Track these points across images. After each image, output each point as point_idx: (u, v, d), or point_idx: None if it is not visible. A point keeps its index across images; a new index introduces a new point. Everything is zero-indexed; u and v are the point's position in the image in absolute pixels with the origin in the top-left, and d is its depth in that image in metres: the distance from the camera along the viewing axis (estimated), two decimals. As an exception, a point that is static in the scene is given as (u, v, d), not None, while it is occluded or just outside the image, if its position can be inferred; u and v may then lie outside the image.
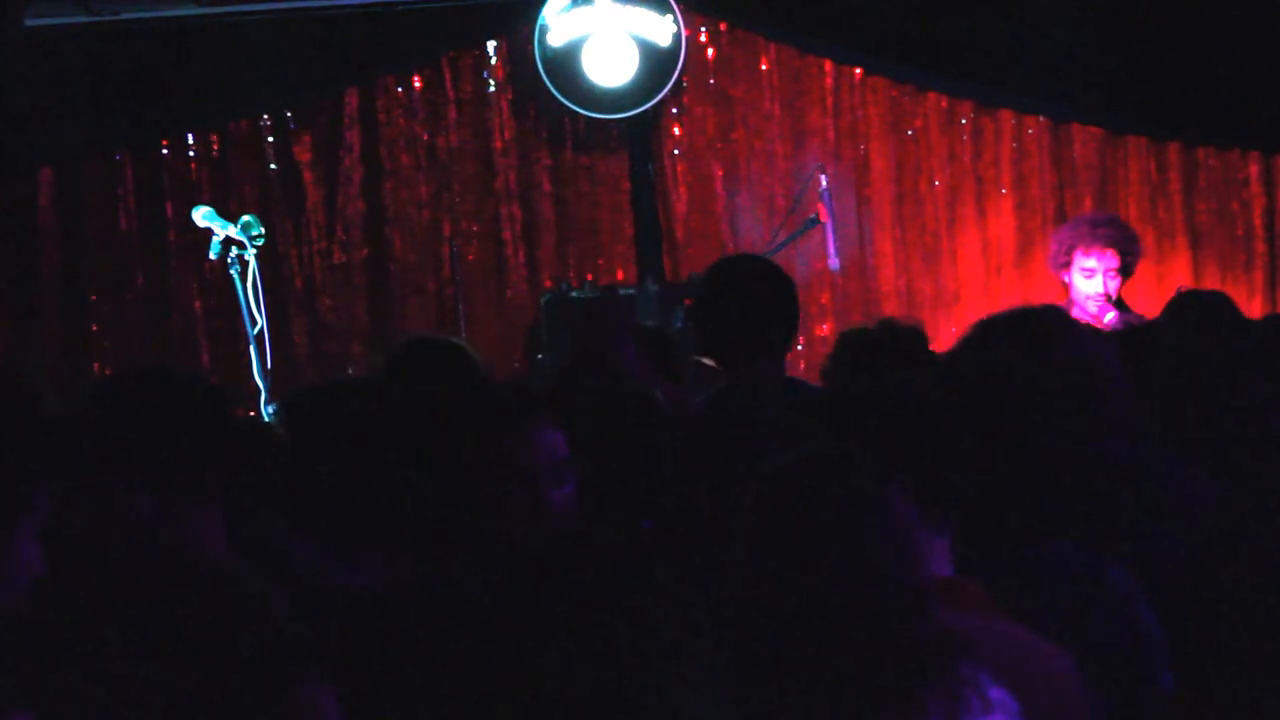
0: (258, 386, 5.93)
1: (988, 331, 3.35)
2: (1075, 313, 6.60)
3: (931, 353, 4.81)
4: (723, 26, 8.57)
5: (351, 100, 8.51)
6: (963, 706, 2.26)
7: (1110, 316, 6.52)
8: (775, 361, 4.33)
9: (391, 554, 3.18)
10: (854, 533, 2.25)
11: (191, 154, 8.50)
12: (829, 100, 8.53)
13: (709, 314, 4.36)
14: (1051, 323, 3.40)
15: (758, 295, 4.31)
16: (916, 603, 2.26)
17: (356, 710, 2.13)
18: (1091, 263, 6.55)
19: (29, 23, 8.10)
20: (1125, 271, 6.62)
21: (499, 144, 8.57)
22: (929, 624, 2.26)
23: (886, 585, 2.24)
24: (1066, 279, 6.64)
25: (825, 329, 8.44)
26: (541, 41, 8.31)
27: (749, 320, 4.27)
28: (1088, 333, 3.54)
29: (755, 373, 4.24)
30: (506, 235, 8.60)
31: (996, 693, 2.32)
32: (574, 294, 8.10)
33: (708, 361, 6.61)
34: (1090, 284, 6.55)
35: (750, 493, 2.33)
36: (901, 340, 4.58)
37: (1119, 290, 6.58)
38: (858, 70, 8.52)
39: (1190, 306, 5.18)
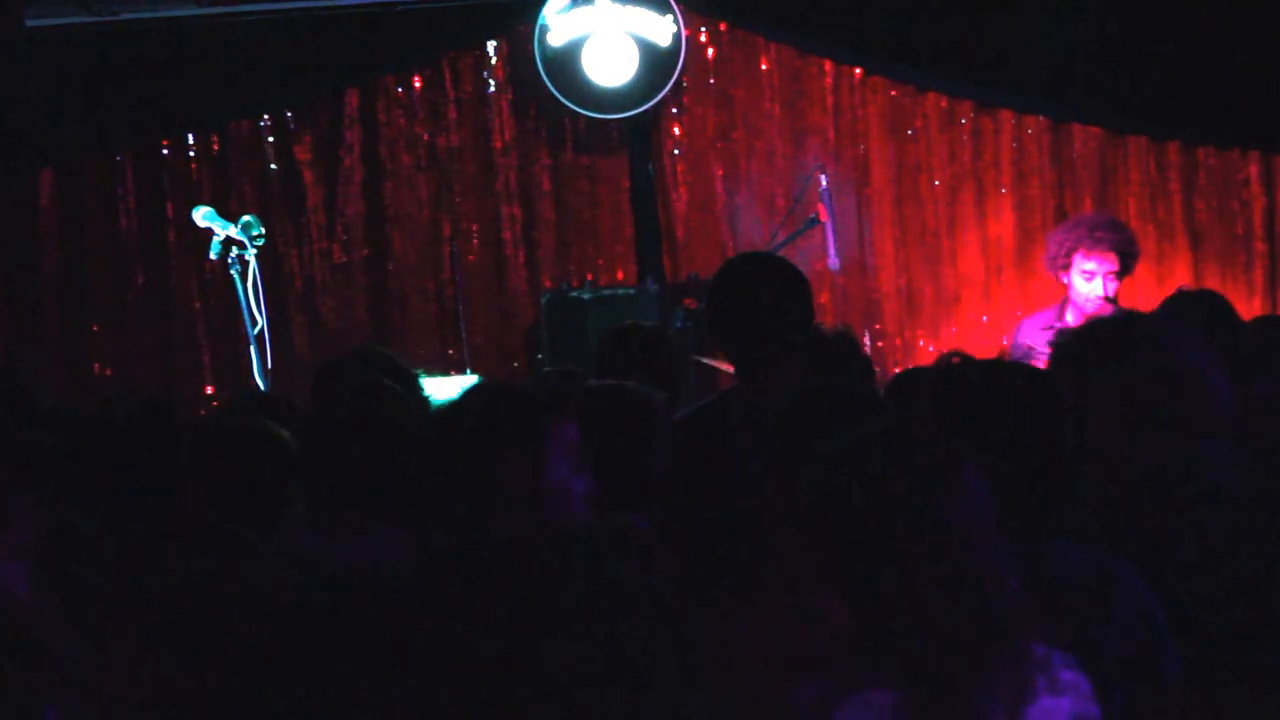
0: (258, 386, 5.94)
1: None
2: (1073, 312, 6.65)
3: (863, 357, 4.81)
4: (723, 26, 8.57)
5: (352, 100, 8.52)
6: (1028, 687, 2.25)
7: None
8: (789, 361, 4.23)
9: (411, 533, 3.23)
10: (928, 505, 2.24)
11: (192, 154, 8.50)
12: (829, 100, 8.53)
13: (717, 315, 4.30)
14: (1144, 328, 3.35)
15: (766, 295, 4.24)
16: (985, 580, 2.25)
17: (336, 691, 2.13)
18: (1091, 265, 6.59)
19: (29, 23, 8.11)
20: (1124, 273, 6.65)
21: (499, 144, 8.57)
22: (998, 603, 2.24)
23: (957, 561, 2.23)
24: (1065, 280, 6.67)
25: (825, 329, 8.43)
26: (541, 41, 8.31)
27: (758, 321, 4.21)
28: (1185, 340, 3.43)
29: (768, 373, 4.18)
30: (506, 235, 8.60)
31: (1069, 675, 2.31)
32: (574, 294, 8.10)
33: (708, 361, 6.62)
34: (1090, 286, 6.58)
35: (824, 464, 2.32)
36: (830, 345, 4.57)
37: (1116, 290, 6.62)
38: (858, 70, 8.51)
39: (1184, 306, 5.19)
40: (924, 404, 2.78)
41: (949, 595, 2.21)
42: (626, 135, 8.56)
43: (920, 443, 2.31)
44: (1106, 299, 6.57)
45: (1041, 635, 2.33)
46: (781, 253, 7.04)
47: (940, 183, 8.53)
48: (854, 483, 2.28)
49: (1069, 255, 6.66)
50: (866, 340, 8.48)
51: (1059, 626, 2.55)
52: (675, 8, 8.31)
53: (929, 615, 2.21)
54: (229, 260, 5.94)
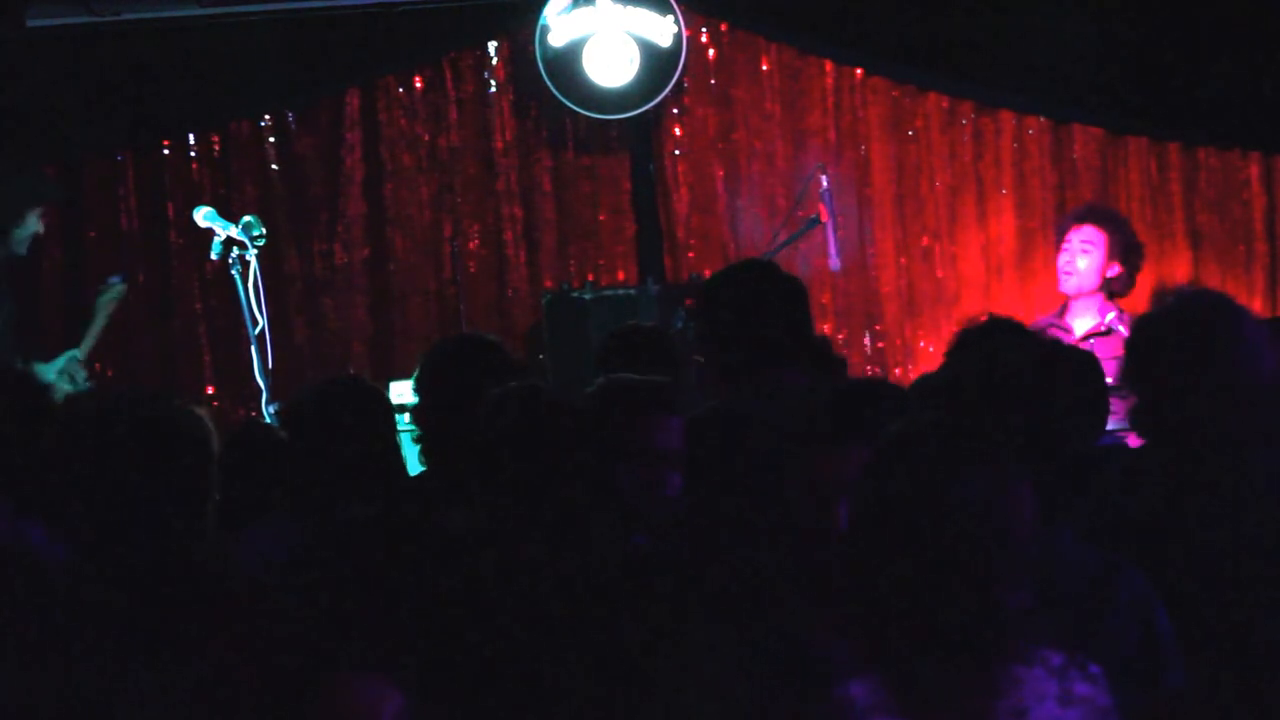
0: (258, 386, 5.94)
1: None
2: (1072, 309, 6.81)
3: None
4: (723, 27, 8.57)
5: (352, 101, 8.52)
6: (1034, 694, 2.25)
7: (1111, 316, 6.62)
8: (788, 368, 4.17)
9: None
10: (968, 500, 2.25)
11: (193, 154, 8.50)
12: (829, 100, 8.52)
13: (709, 327, 4.28)
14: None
15: (759, 303, 4.21)
16: (1016, 577, 2.25)
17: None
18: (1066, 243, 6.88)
19: (30, 23, 8.11)
20: (1116, 256, 6.71)
21: (500, 144, 8.57)
22: (1006, 607, 2.25)
23: (989, 555, 2.24)
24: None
25: (825, 329, 8.43)
26: (542, 42, 8.31)
27: (750, 330, 4.17)
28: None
29: (763, 383, 4.14)
30: (507, 235, 8.60)
31: (1085, 689, 2.31)
32: (575, 294, 8.10)
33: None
34: (1060, 258, 6.88)
35: (870, 455, 2.33)
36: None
37: (1085, 268, 6.71)
38: (858, 70, 8.51)
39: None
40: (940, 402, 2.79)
41: (955, 597, 2.22)
42: (627, 135, 8.56)
43: (965, 439, 2.31)
44: (1068, 273, 6.75)
45: (1048, 638, 2.33)
46: (782, 253, 7.07)
47: (941, 183, 8.53)
48: (873, 483, 2.29)
49: (1060, 239, 6.89)
50: (866, 341, 8.48)
51: (1058, 625, 2.56)
52: (676, 8, 8.30)
53: (935, 616, 2.22)
54: (230, 260, 5.95)
